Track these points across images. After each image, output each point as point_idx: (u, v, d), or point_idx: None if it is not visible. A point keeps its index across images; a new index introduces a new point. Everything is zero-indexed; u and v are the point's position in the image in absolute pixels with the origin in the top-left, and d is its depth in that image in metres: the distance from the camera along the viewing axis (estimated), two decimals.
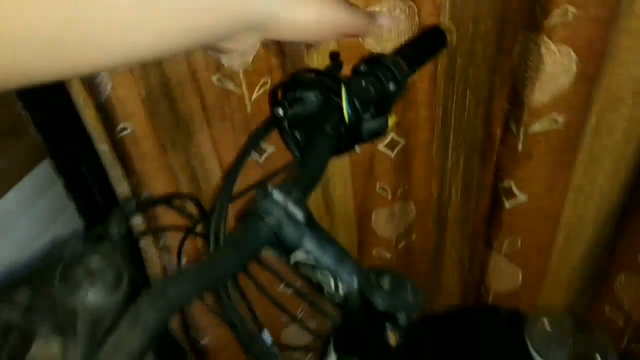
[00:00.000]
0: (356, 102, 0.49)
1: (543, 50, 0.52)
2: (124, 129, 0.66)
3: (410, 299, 0.42)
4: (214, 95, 0.72)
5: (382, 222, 0.87)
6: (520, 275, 0.75)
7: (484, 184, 0.71)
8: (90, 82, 0.62)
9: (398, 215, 0.87)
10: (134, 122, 0.66)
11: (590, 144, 0.59)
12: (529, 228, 0.69)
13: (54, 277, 0.29)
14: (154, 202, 0.75)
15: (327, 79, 0.49)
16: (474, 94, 0.66)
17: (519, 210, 0.67)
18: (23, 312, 0.27)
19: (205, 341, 0.98)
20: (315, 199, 0.88)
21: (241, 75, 0.69)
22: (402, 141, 0.77)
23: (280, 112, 0.50)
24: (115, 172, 0.73)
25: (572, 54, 0.52)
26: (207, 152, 0.78)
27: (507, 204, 0.67)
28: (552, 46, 0.52)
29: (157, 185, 0.74)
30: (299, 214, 0.40)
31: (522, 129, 0.60)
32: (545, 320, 0.58)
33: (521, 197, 0.66)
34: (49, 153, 0.79)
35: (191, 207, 0.69)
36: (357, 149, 0.66)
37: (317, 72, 0.52)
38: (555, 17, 0.52)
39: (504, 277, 0.76)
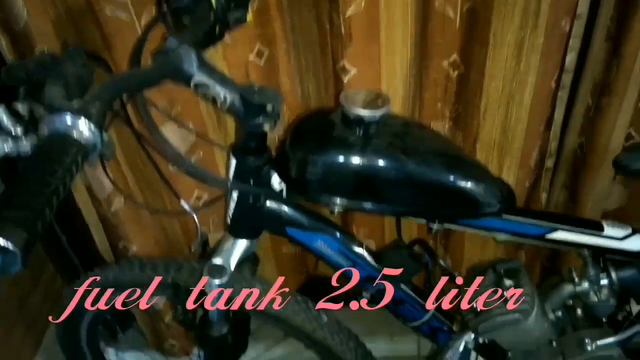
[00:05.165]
0: None
1: None
2: (42, 50, 0.82)
3: (272, 94, 0.67)
4: (109, 25, 0.90)
5: None
6: None
7: (327, 70, 0.97)
8: (8, 14, 0.79)
9: None
10: (49, 45, 0.83)
11: (385, 19, 0.87)
12: None
13: None
14: None
15: None
16: (305, 3, 0.91)
17: (353, 82, 0.94)
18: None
19: (134, 249, 1.16)
20: (209, 114, 1.09)
21: (130, 4, 0.88)
22: (266, 51, 1.00)
23: (165, 7, 0.71)
24: None
25: None
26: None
27: (345, 79, 0.94)
28: None
29: None
30: (191, 52, 0.63)
31: (341, 17, 0.86)
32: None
33: (352, 70, 0.92)
34: None
35: None
36: (228, 38, 0.89)
37: None
38: None
39: None
